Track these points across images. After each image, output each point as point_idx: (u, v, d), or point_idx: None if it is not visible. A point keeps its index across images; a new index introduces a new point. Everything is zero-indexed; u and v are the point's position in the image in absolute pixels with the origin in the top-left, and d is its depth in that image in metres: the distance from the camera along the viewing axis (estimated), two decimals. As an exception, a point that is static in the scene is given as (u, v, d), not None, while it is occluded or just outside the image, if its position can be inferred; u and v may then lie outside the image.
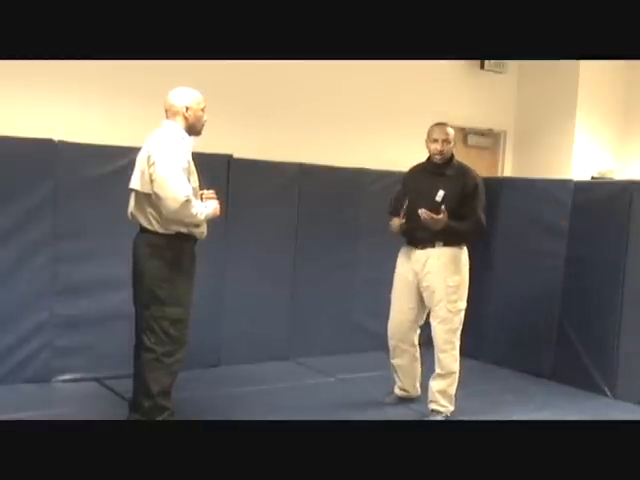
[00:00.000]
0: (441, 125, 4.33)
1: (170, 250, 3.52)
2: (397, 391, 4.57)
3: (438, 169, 4.31)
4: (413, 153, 4.67)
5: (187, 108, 3.57)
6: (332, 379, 5.05)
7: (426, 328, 4.42)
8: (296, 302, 5.47)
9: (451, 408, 4.27)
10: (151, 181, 3.43)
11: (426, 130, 4.35)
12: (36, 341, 4.46)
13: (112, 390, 4.41)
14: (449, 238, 4.20)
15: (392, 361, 4.52)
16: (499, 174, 7.24)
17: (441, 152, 4.26)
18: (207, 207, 3.56)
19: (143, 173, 3.48)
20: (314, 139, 5.87)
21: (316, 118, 5.93)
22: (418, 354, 4.50)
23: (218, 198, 3.66)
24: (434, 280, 4.23)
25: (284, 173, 5.34)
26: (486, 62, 6.84)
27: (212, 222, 3.70)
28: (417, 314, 4.40)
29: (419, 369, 4.54)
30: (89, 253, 4.56)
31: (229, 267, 5.10)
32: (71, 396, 4.35)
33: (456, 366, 4.27)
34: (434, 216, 4.03)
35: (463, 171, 4.33)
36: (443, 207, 4.05)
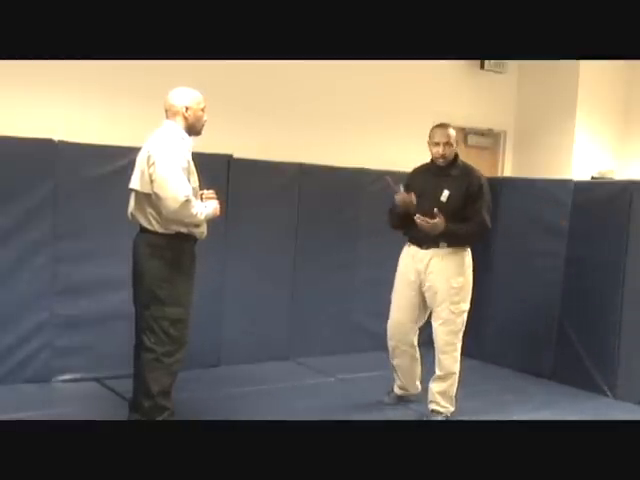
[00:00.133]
0: (442, 127, 4.27)
1: (170, 250, 3.52)
2: (397, 390, 4.56)
3: (443, 170, 4.28)
4: (413, 153, 4.67)
5: (187, 108, 3.57)
6: (332, 379, 5.05)
7: (427, 328, 4.42)
8: (296, 302, 5.47)
9: (451, 409, 4.27)
10: (151, 181, 3.43)
11: (426, 130, 4.34)
12: (36, 341, 4.46)
13: (112, 390, 4.41)
14: (452, 240, 4.19)
15: (392, 361, 4.51)
16: (499, 174, 7.24)
17: (443, 155, 4.23)
18: (207, 207, 3.56)
19: (143, 173, 3.48)
20: (314, 139, 5.87)
21: (316, 118, 5.93)
22: (418, 354, 4.49)
23: (218, 198, 3.66)
24: (437, 280, 4.21)
25: (284, 173, 5.34)
26: (486, 62, 6.85)
27: (212, 222, 3.70)
28: (418, 315, 4.37)
29: (419, 368, 4.54)
30: (89, 253, 4.56)
31: (229, 267, 5.10)
32: (71, 396, 4.35)
33: (456, 367, 4.26)
34: (429, 220, 4.02)
35: (468, 171, 4.30)
36: (436, 210, 4.03)
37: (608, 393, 4.94)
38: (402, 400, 4.55)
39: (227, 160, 5.01)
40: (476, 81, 6.95)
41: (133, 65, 4.44)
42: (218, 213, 3.64)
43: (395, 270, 4.43)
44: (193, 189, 3.50)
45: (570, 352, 5.16)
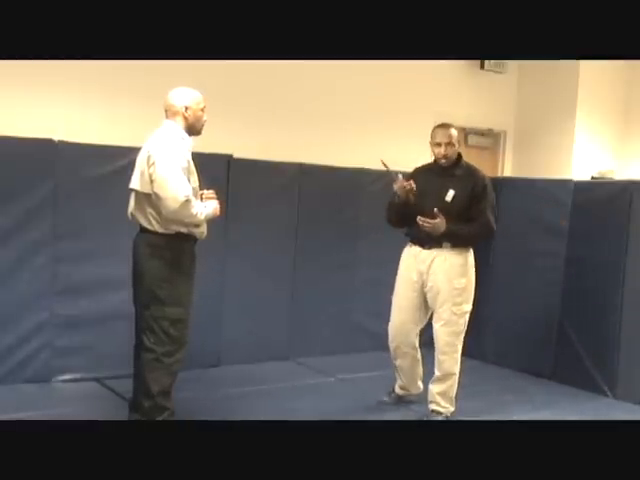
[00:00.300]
0: (444, 127, 4.26)
1: (170, 250, 3.52)
2: (398, 390, 4.56)
3: (447, 170, 4.26)
4: (413, 153, 4.68)
5: (187, 108, 3.57)
6: (332, 379, 5.05)
7: (427, 329, 4.41)
8: (296, 302, 5.47)
9: (451, 409, 4.26)
10: (151, 181, 3.43)
11: (426, 130, 4.34)
12: (36, 341, 4.46)
13: (112, 390, 4.41)
14: (455, 240, 4.18)
15: (394, 361, 4.50)
16: (499, 174, 7.23)
17: (445, 156, 4.21)
18: (207, 207, 3.56)
19: (143, 173, 3.48)
20: (314, 139, 5.86)
21: (316, 118, 5.93)
22: (419, 355, 4.47)
23: (218, 198, 3.66)
24: (439, 281, 4.19)
25: (284, 173, 5.34)
26: (486, 62, 6.84)
27: (212, 222, 3.69)
28: (419, 316, 4.35)
29: (420, 369, 4.52)
30: (89, 253, 4.56)
31: (229, 267, 5.10)
32: (71, 396, 4.35)
33: (456, 369, 4.24)
34: (430, 221, 4.01)
35: (472, 171, 4.29)
36: (436, 210, 4.02)
37: (608, 393, 4.94)
38: (403, 400, 4.55)
39: (227, 160, 5.01)
40: (476, 81, 6.94)
41: (133, 65, 4.43)
42: (218, 213, 3.64)
43: (395, 270, 4.42)
44: (193, 189, 3.50)
45: (570, 352, 5.16)
